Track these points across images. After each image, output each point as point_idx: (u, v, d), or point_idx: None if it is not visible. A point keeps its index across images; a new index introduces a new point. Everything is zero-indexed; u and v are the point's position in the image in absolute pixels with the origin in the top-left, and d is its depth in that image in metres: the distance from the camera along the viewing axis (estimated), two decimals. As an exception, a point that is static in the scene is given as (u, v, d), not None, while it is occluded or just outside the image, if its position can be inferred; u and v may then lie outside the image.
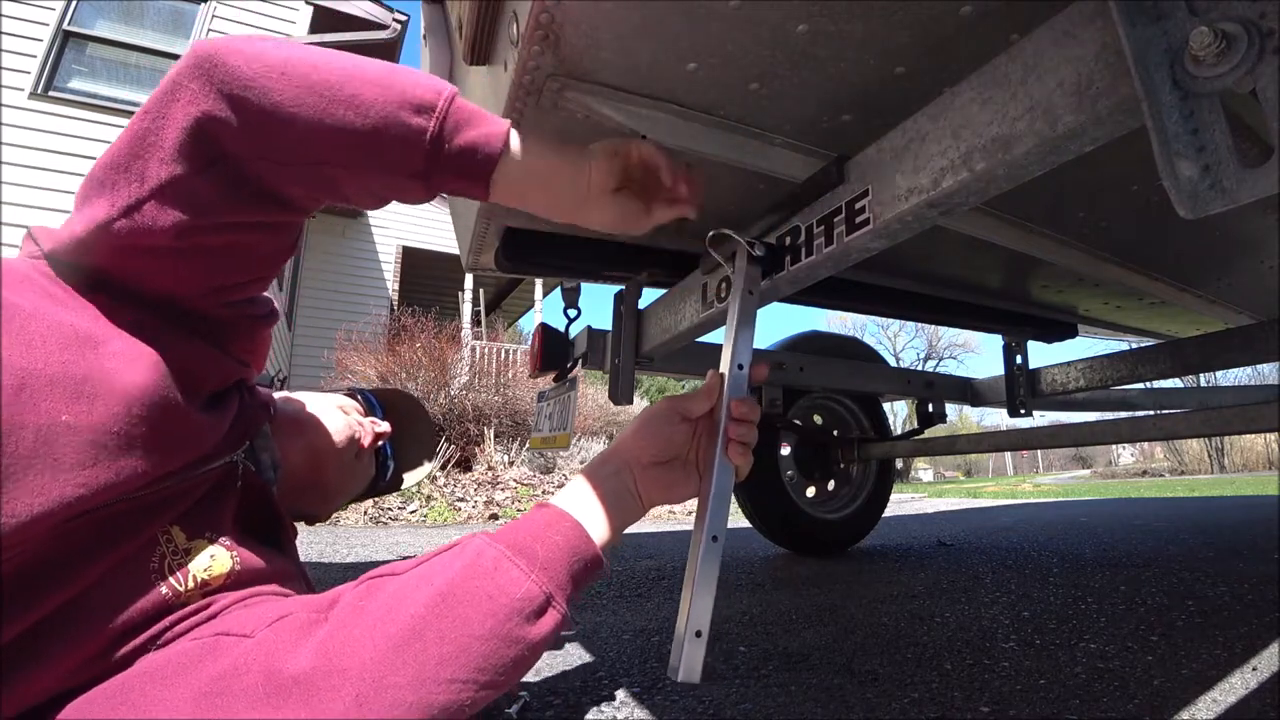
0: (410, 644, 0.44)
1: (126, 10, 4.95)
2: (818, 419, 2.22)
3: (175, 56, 4.95)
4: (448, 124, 0.50)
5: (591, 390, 7.62)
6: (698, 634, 0.53)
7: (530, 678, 0.91)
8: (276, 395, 0.78)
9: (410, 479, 0.98)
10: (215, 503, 0.58)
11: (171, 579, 0.50)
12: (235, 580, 0.55)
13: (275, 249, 0.56)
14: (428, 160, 0.50)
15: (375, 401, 0.91)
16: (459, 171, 0.52)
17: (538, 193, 0.58)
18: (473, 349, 7.48)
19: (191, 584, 0.51)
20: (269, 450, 0.70)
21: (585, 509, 0.57)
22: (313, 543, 2.47)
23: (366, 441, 0.81)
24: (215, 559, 0.54)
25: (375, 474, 0.88)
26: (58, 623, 0.44)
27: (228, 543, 0.56)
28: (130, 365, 0.48)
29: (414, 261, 9.15)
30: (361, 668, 0.42)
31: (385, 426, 0.85)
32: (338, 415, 0.79)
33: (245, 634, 0.46)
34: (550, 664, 0.97)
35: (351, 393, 0.89)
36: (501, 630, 0.46)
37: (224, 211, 0.49)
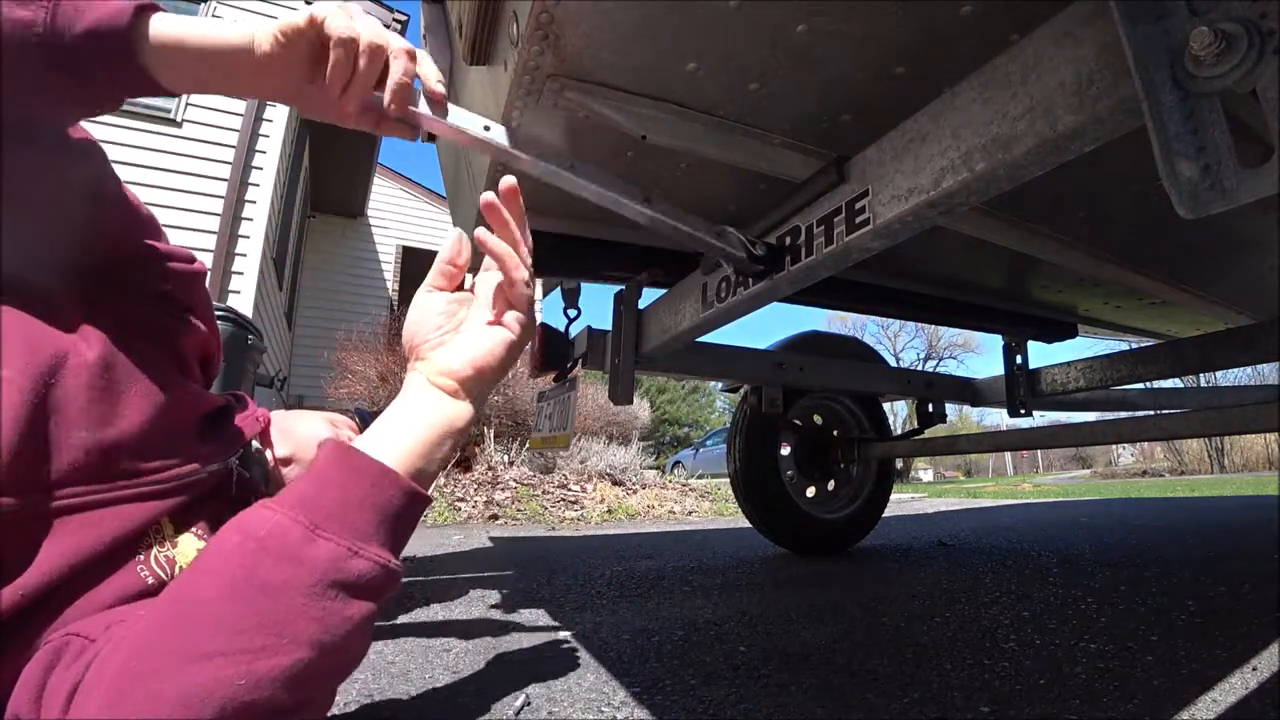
0: (168, 624, 0.38)
1: (126, 10, 4.95)
2: (818, 419, 2.22)
3: (175, 56, 4.94)
4: (62, 11, 0.46)
5: (591, 390, 7.62)
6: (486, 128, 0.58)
7: (530, 678, 0.91)
8: (273, 415, 0.79)
9: None
10: (208, 504, 0.59)
11: (156, 568, 0.51)
12: None
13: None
14: (51, 51, 0.46)
15: (369, 415, 0.90)
16: (96, 56, 0.48)
17: (216, 75, 0.53)
18: (473, 349, 7.47)
19: (177, 574, 0.52)
20: (261, 462, 0.70)
21: (370, 432, 0.48)
22: (313, 543, 2.46)
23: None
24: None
25: None
26: (38, 606, 0.44)
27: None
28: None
29: (414, 261, 9.15)
30: (122, 658, 0.38)
31: None
32: (324, 428, 0.77)
33: (91, 638, 0.43)
34: (551, 664, 0.97)
35: (351, 413, 0.88)
36: (243, 581, 0.38)
37: None
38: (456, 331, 0.53)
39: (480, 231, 0.51)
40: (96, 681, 0.38)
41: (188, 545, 0.54)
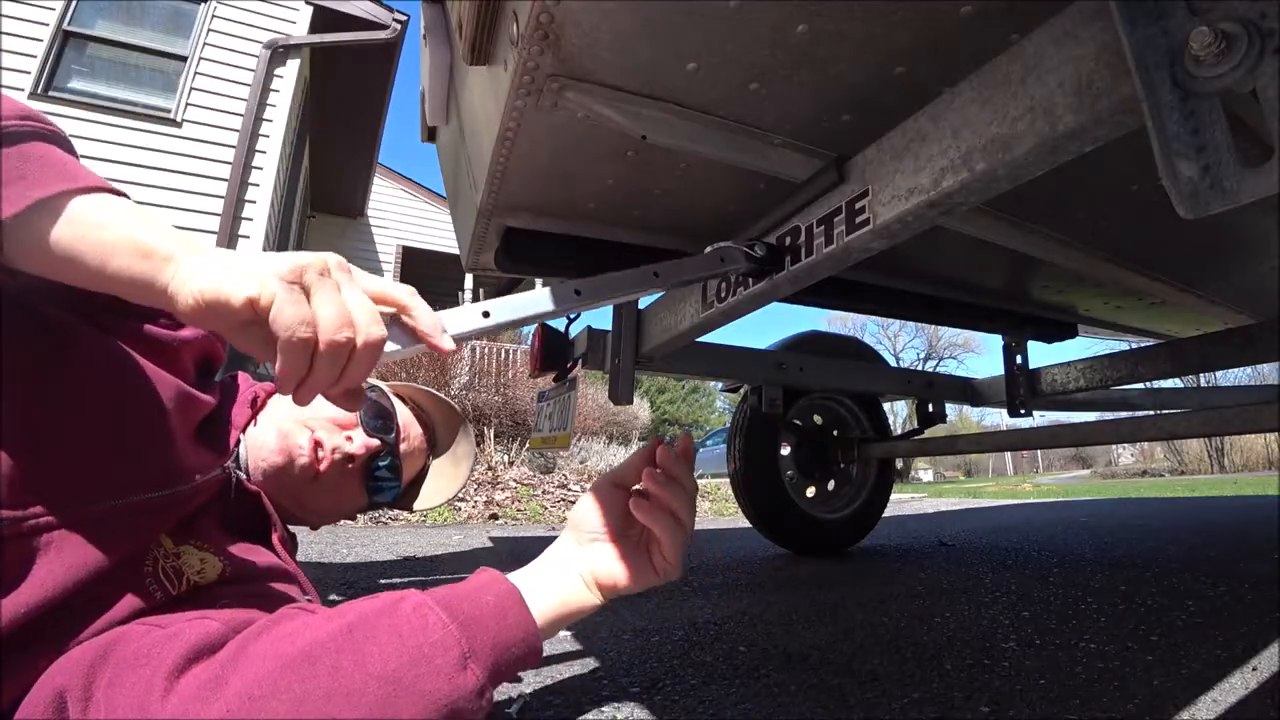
0: (299, 668, 0.40)
1: (126, 10, 4.94)
2: (818, 419, 2.22)
3: (175, 56, 4.95)
4: None
5: (591, 390, 7.62)
6: (485, 314, 0.51)
7: (530, 678, 0.91)
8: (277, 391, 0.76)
9: (425, 502, 0.86)
10: (208, 510, 0.59)
11: (165, 581, 0.51)
12: (227, 582, 0.56)
13: None
14: None
15: (386, 409, 0.78)
16: None
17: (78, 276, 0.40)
18: (473, 349, 7.48)
19: (185, 586, 0.53)
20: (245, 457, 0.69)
21: (526, 580, 0.53)
22: (313, 543, 2.47)
23: (323, 466, 0.69)
24: (205, 563, 0.55)
25: (367, 495, 0.77)
26: (50, 621, 0.44)
27: (214, 547, 0.57)
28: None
29: (414, 261, 9.16)
30: (243, 684, 0.39)
31: (355, 447, 0.72)
32: (271, 433, 0.69)
33: (161, 625, 0.46)
34: (549, 664, 0.97)
35: (365, 393, 0.78)
36: (405, 676, 0.41)
37: None
38: (624, 538, 0.57)
39: (638, 502, 0.55)
40: (218, 682, 0.39)
41: (190, 557, 0.54)
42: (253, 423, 0.69)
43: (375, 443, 0.74)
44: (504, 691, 0.85)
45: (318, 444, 0.70)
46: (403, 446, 0.79)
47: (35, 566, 0.44)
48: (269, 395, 0.73)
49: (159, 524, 0.52)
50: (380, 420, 0.77)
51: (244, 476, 0.65)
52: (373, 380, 0.82)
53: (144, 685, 0.40)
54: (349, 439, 0.72)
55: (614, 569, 0.55)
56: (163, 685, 0.40)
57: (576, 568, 0.55)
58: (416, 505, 0.86)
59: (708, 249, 0.96)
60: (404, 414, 0.81)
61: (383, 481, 0.77)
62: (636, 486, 0.57)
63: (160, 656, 0.41)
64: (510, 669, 0.48)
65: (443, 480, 0.89)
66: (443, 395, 0.90)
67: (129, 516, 0.49)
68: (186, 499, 0.55)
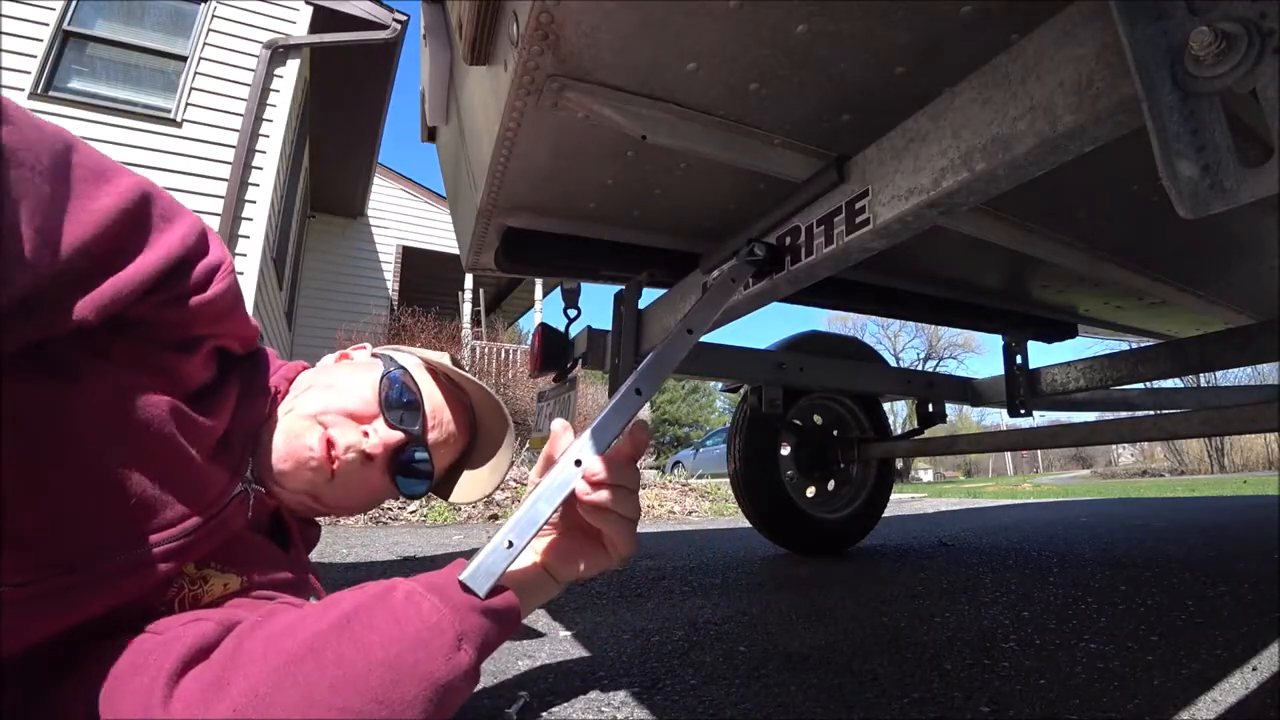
0: (304, 662, 0.41)
1: (126, 10, 4.94)
2: (818, 419, 2.22)
3: (175, 56, 4.95)
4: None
5: (591, 390, 7.62)
6: (509, 544, 0.51)
7: (529, 678, 0.91)
8: (300, 372, 0.71)
9: (463, 495, 0.76)
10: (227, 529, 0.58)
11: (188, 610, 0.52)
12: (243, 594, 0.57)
13: None
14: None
15: (411, 393, 0.68)
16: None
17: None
18: (473, 349, 7.48)
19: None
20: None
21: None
22: (313, 543, 2.46)
23: (336, 466, 0.62)
24: (228, 587, 0.56)
25: (396, 487, 0.69)
26: (64, 663, 0.44)
27: (235, 566, 0.57)
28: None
29: (414, 261, 9.16)
30: (248, 682, 0.40)
31: (372, 444, 0.63)
32: (280, 436, 0.62)
33: (158, 632, 0.46)
34: (550, 664, 0.97)
35: (387, 377, 0.68)
36: (405, 660, 0.43)
37: None
38: (574, 528, 0.61)
39: (583, 504, 0.57)
40: (221, 683, 0.40)
41: (214, 580, 0.55)
42: (268, 422, 0.63)
43: (397, 436, 0.65)
44: (504, 692, 0.85)
45: (330, 443, 0.62)
46: (432, 435, 0.69)
47: (42, 621, 0.43)
48: (289, 383, 0.67)
49: (183, 560, 0.51)
50: (404, 408, 0.67)
51: (260, 490, 0.62)
52: (395, 350, 0.75)
53: (144, 693, 0.40)
54: (365, 434, 0.64)
55: (567, 560, 0.60)
56: (163, 691, 0.40)
57: (533, 559, 0.60)
58: (454, 497, 0.76)
59: (714, 273, 0.96)
60: (433, 398, 0.70)
61: (410, 475, 0.69)
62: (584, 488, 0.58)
63: (158, 662, 0.41)
64: (494, 646, 0.51)
65: (484, 470, 0.77)
66: (482, 383, 0.74)
67: (150, 564, 0.48)
68: (208, 535, 0.53)
